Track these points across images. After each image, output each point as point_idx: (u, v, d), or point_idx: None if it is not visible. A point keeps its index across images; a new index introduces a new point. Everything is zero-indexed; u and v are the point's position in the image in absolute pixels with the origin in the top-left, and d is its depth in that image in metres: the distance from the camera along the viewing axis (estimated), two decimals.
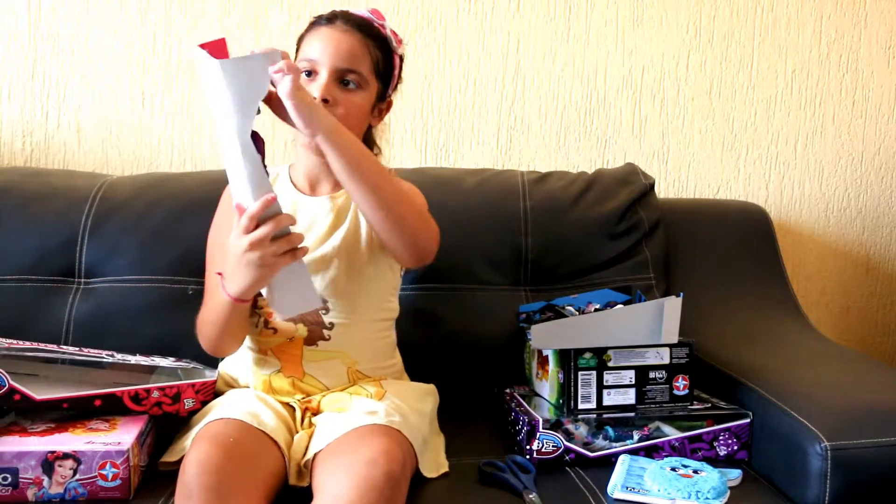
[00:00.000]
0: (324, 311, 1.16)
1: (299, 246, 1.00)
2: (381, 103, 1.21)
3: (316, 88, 1.11)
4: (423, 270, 1.41)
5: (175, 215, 1.41)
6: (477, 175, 1.56)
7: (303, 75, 1.12)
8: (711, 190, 1.85)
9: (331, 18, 1.16)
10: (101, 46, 1.66)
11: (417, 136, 1.74)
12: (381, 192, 1.06)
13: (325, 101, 1.11)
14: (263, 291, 1.04)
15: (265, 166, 0.97)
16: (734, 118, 1.84)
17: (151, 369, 1.16)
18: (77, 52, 1.65)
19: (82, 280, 1.39)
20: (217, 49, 0.98)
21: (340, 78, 1.13)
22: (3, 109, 1.65)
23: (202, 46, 0.97)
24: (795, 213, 1.89)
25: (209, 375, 1.18)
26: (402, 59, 1.23)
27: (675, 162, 1.83)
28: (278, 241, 0.98)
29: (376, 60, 1.16)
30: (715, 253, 1.62)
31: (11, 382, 1.03)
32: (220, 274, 1.06)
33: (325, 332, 1.16)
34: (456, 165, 1.75)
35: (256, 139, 0.97)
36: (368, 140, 1.28)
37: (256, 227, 0.97)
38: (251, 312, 1.17)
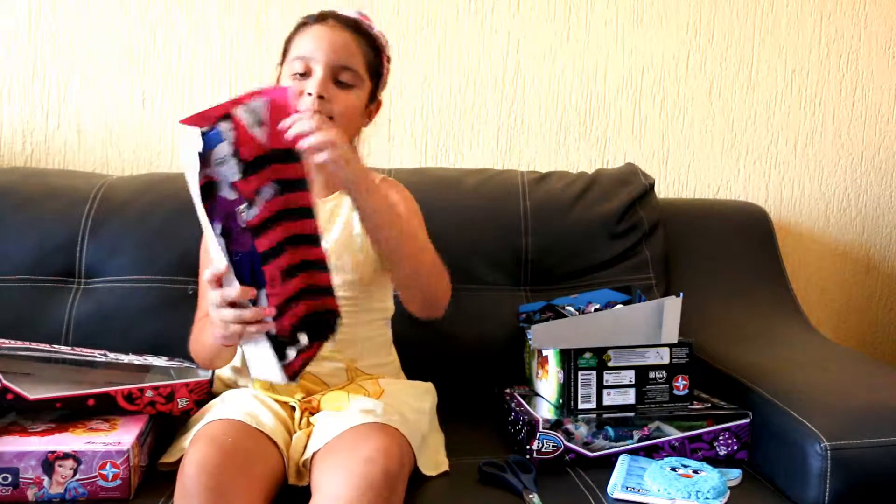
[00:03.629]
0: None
1: (255, 326, 0.92)
2: (372, 104, 1.22)
3: (311, 85, 1.11)
4: None
5: (175, 215, 1.41)
6: (477, 175, 1.56)
7: (296, 75, 1.13)
8: (711, 190, 1.85)
9: (321, 17, 1.17)
10: (101, 46, 1.66)
11: (417, 136, 1.74)
12: (406, 251, 1.04)
13: (320, 97, 1.11)
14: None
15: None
16: (734, 118, 1.84)
17: (145, 368, 1.16)
18: (77, 52, 1.65)
19: (82, 280, 1.39)
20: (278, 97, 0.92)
21: (335, 76, 1.13)
22: (3, 109, 1.65)
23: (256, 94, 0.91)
24: (795, 213, 1.89)
25: (203, 375, 1.18)
26: (389, 61, 1.23)
27: (675, 162, 1.83)
28: (235, 312, 0.92)
29: (369, 59, 1.17)
30: (715, 253, 1.62)
31: (4, 381, 1.03)
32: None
33: None
34: (456, 165, 1.75)
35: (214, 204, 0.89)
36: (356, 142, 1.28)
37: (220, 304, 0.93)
38: None
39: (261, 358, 0.95)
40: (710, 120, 1.83)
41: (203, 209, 0.87)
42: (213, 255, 0.90)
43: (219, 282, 0.92)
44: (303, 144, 0.93)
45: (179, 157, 0.87)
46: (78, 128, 1.67)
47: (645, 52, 1.79)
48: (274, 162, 0.94)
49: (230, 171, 0.88)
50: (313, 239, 0.98)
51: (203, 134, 0.86)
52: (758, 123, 1.85)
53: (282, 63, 1.19)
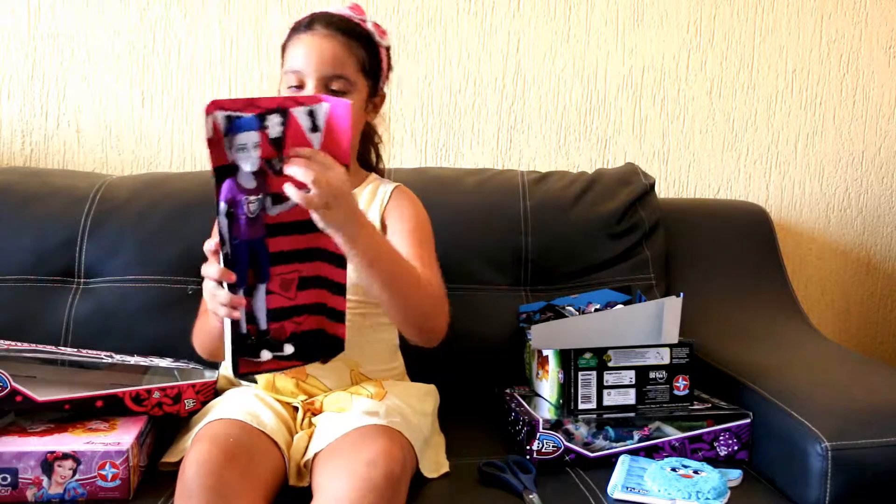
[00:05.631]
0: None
1: (224, 309, 0.93)
2: (375, 98, 1.22)
3: None
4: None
5: (175, 215, 1.41)
6: (477, 175, 1.56)
7: (292, 87, 1.13)
8: (712, 190, 1.85)
9: (310, 24, 1.16)
10: (101, 46, 1.66)
11: (417, 136, 1.74)
12: (400, 291, 1.05)
13: None
14: None
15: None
16: (734, 118, 1.83)
17: (148, 370, 1.16)
18: (77, 51, 1.65)
19: (82, 280, 1.39)
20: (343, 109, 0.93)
21: (328, 86, 1.13)
22: (2, 109, 1.65)
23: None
24: (796, 213, 1.89)
25: (209, 376, 1.18)
26: (388, 50, 1.22)
27: (675, 162, 1.83)
28: (214, 288, 0.94)
29: (361, 60, 1.16)
30: (715, 253, 1.62)
31: (13, 384, 1.03)
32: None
33: None
34: (456, 165, 1.75)
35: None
36: (368, 134, 1.28)
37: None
38: None
39: (226, 342, 0.95)
40: (710, 120, 1.83)
41: (215, 187, 0.89)
42: (217, 231, 0.92)
43: (216, 256, 0.94)
44: (306, 203, 0.91)
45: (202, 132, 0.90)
46: (77, 127, 1.67)
47: (645, 52, 1.79)
48: None
49: (250, 161, 0.90)
50: (338, 259, 0.99)
51: (230, 118, 0.88)
52: (758, 123, 1.84)
53: (282, 66, 1.19)
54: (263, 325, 0.96)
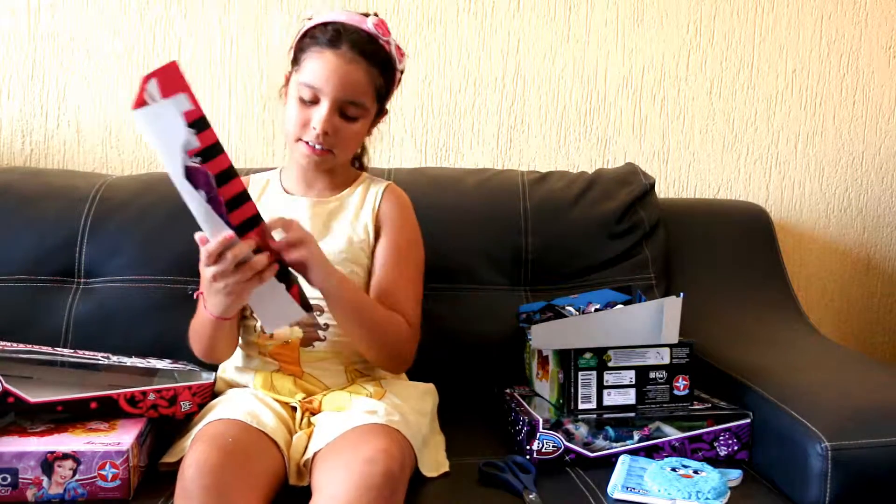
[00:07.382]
0: (318, 314, 1.16)
1: (264, 268, 0.98)
2: (380, 117, 1.22)
3: (317, 120, 1.11)
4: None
5: (175, 215, 1.40)
6: (477, 175, 1.56)
7: (303, 100, 1.12)
8: (712, 190, 1.85)
9: (335, 41, 1.11)
10: (101, 46, 1.66)
11: (417, 136, 1.74)
12: (366, 327, 1.12)
13: (325, 133, 1.11)
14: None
15: (217, 196, 0.94)
16: (734, 118, 1.83)
17: (150, 372, 1.16)
18: (77, 52, 1.65)
19: (82, 280, 1.39)
20: (170, 75, 0.90)
21: (342, 109, 1.13)
22: (2, 109, 1.65)
23: (152, 75, 0.89)
24: (796, 213, 1.89)
25: (206, 378, 1.18)
26: (402, 73, 1.22)
27: (675, 162, 1.83)
28: (241, 269, 0.96)
29: (379, 87, 1.15)
30: (715, 253, 1.62)
31: (5, 385, 1.03)
32: (200, 293, 1.06)
33: (321, 332, 1.17)
34: (456, 165, 1.75)
35: (197, 174, 0.92)
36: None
37: (217, 260, 0.96)
38: (248, 318, 1.19)
39: (276, 303, 1.00)
40: (710, 120, 1.83)
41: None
42: (201, 221, 0.95)
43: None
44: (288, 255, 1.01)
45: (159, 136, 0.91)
46: (77, 127, 1.67)
47: (645, 52, 1.79)
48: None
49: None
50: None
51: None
52: (758, 123, 1.84)
53: (292, 67, 1.17)
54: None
